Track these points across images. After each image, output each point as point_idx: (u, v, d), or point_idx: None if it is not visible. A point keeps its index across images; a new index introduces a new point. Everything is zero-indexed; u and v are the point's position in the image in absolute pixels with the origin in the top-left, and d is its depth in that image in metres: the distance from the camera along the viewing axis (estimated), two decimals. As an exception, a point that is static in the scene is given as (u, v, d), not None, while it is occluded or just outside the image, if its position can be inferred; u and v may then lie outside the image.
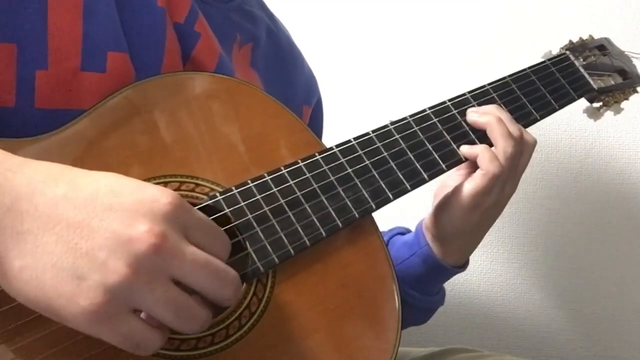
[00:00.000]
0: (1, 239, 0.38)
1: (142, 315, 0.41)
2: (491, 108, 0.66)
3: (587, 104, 0.80)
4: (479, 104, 0.68)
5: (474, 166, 0.65)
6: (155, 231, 0.39)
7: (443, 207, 0.67)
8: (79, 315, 0.38)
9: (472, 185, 0.63)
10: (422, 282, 0.71)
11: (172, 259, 0.39)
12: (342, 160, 0.59)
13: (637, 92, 0.81)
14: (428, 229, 0.70)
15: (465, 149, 0.64)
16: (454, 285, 1.17)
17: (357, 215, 0.57)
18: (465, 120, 0.66)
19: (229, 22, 0.67)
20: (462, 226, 0.66)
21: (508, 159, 0.64)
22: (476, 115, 0.66)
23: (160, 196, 0.40)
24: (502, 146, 0.64)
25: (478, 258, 1.15)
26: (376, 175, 0.60)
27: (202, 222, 0.43)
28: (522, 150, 0.66)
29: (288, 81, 0.75)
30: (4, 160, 0.41)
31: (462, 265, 0.71)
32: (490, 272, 1.17)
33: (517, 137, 0.65)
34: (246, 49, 0.70)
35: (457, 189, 0.65)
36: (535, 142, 0.68)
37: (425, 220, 0.71)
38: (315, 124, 0.80)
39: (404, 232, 0.77)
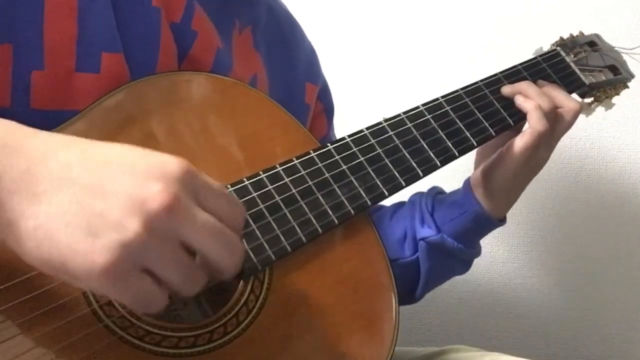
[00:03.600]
0: (16, 200, 0.39)
1: None
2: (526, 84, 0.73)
3: (579, 99, 0.80)
4: (472, 100, 0.69)
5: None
6: (168, 192, 0.39)
7: (496, 163, 0.73)
8: (93, 273, 0.38)
9: (523, 141, 0.69)
10: (470, 237, 0.77)
11: (183, 220, 0.39)
12: (337, 157, 0.60)
13: (627, 87, 0.82)
14: (478, 185, 0.75)
15: (519, 101, 0.71)
16: (454, 285, 1.17)
17: (352, 212, 0.58)
18: (458, 117, 0.67)
19: (226, 8, 0.67)
20: (513, 180, 0.73)
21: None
22: (510, 89, 0.72)
23: (170, 160, 0.41)
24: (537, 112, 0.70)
25: (478, 258, 1.15)
26: (371, 172, 0.60)
27: (214, 187, 0.43)
28: (556, 118, 0.72)
29: (289, 58, 0.75)
30: (18, 128, 0.42)
31: (503, 219, 0.77)
32: (490, 272, 1.17)
33: (552, 106, 0.72)
34: (246, 32, 0.70)
35: (510, 146, 0.71)
36: (577, 108, 0.73)
37: (472, 179, 0.76)
38: (327, 104, 0.82)
39: (442, 191, 0.82)
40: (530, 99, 0.71)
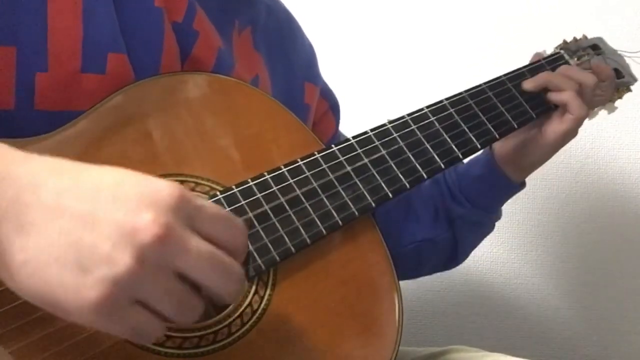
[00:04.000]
0: (4, 230, 0.38)
1: None
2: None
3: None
4: (475, 103, 0.69)
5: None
6: (160, 221, 0.38)
7: (531, 144, 0.76)
8: (85, 309, 0.37)
9: (564, 126, 0.73)
10: (498, 206, 0.83)
11: (176, 250, 0.39)
12: (341, 159, 0.60)
13: (630, 90, 0.82)
14: (507, 162, 0.78)
15: (554, 97, 0.73)
16: (455, 285, 1.17)
17: (356, 213, 0.58)
18: (461, 119, 0.67)
19: (225, 9, 0.67)
20: (546, 158, 0.77)
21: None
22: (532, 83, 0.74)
23: (164, 187, 0.40)
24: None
25: (478, 258, 1.16)
26: (375, 174, 0.60)
27: (212, 212, 0.42)
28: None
29: (288, 58, 0.75)
30: (7, 154, 0.41)
31: (523, 183, 0.82)
32: (490, 272, 1.17)
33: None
34: (246, 33, 0.70)
35: (549, 130, 0.74)
36: (595, 81, 0.75)
37: (499, 155, 0.78)
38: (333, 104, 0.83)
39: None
40: (560, 89, 0.73)
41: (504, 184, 0.79)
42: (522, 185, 0.81)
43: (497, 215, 0.84)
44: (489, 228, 0.84)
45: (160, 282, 0.39)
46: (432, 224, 0.82)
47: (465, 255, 0.85)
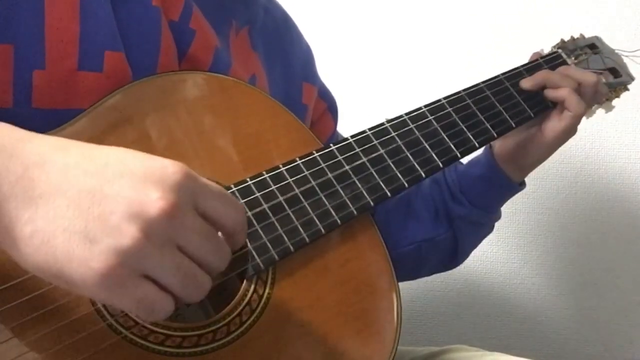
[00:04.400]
0: (13, 205, 0.38)
1: None
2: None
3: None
4: (473, 102, 0.69)
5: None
6: (167, 198, 0.39)
7: (530, 143, 0.76)
8: (90, 279, 0.38)
9: (563, 124, 0.73)
10: (498, 206, 0.83)
11: (181, 226, 0.39)
12: (340, 158, 0.60)
13: (628, 90, 0.82)
14: (508, 161, 0.78)
15: (551, 93, 0.73)
16: (454, 285, 1.17)
17: (355, 212, 0.58)
18: (460, 118, 0.67)
19: (222, 9, 0.68)
20: (546, 156, 0.77)
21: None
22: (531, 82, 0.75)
23: (169, 165, 0.40)
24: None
25: (478, 258, 1.16)
26: (373, 173, 0.60)
27: (213, 190, 0.42)
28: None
29: (285, 58, 0.76)
30: (13, 132, 0.41)
31: (523, 183, 0.82)
32: (490, 272, 1.17)
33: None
34: (243, 33, 0.71)
35: (548, 128, 0.74)
36: (595, 80, 0.75)
37: (499, 154, 0.78)
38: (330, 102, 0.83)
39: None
40: (558, 86, 0.73)
41: (504, 183, 0.79)
42: (522, 185, 0.81)
43: (497, 216, 0.84)
44: (489, 228, 0.85)
45: (166, 256, 0.39)
46: (432, 224, 0.82)
47: (465, 255, 0.86)
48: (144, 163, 0.40)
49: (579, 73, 0.75)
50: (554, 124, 0.74)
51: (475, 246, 0.86)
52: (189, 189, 0.40)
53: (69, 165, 0.39)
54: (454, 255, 0.84)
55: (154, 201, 0.38)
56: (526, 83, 0.74)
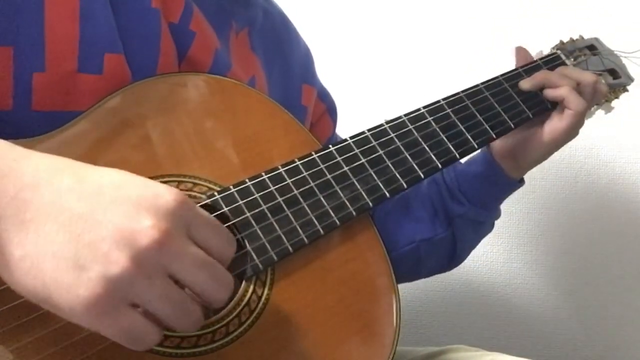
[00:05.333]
0: (3, 227, 0.38)
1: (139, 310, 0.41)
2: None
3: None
4: (472, 103, 0.69)
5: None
6: (159, 227, 0.38)
7: (531, 141, 0.75)
8: (78, 306, 0.37)
9: (565, 122, 0.73)
10: (497, 204, 0.83)
11: (173, 256, 0.39)
12: (339, 158, 0.60)
13: (627, 90, 0.82)
14: (507, 158, 0.78)
15: (550, 93, 0.73)
16: (454, 285, 1.17)
17: (354, 213, 0.58)
18: (459, 119, 0.67)
19: (222, 10, 0.68)
20: (547, 154, 0.77)
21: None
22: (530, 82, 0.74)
23: (164, 192, 0.40)
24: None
25: (478, 258, 1.16)
26: (372, 174, 0.60)
27: (205, 219, 0.42)
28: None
29: (284, 59, 0.76)
30: (9, 151, 0.41)
31: (522, 180, 0.82)
32: (490, 272, 1.17)
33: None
34: (243, 35, 0.71)
35: (550, 127, 0.74)
36: (594, 79, 0.75)
37: (498, 152, 0.78)
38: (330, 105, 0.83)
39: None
40: (557, 86, 0.73)
41: (503, 181, 0.79)
42: (521, 182, 0.81)
43: (497, 214, 0.84)
44: (488, 227, 0.84)
45: (156, 286, 0.39)
46: (431, 223, 0.82)
47: (465, 255, 0.85)
48: (138, 189, 0.40)
49: (577, 73, 0.75)
50: (555, 124, 0.74)
51: (474, 246, 0.86)
52: (182, 216, 0.40)
53: (62, 189, 0.39)
54: (453, 255, 0.84)
55: (146, 229, 0.38)
56: (525, 84, 0.73)
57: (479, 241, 0.86)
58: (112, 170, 0.42)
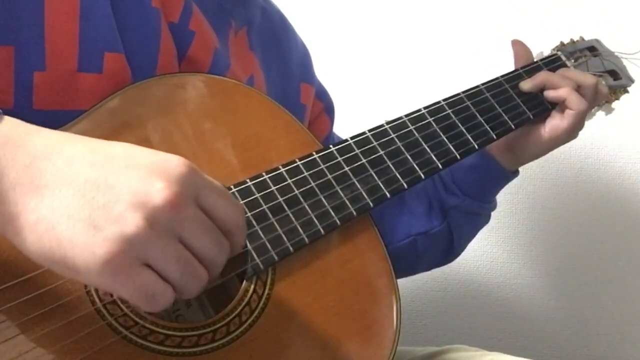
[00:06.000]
0: (19, 193, 0.39)
1: None
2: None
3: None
4: (473, 104, 0.69)
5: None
6: (172, 189, 0.39)
7: (530, 138, 0.76)
8: (93, 265, 0.38)
9: (566, 122, 0.73)
10: (492, 195, 0.83)
11: (183, 217, 0.40)
12: (339, 159, 0.60)
13: (627, 92, 0.82)
14: (504, 151, 0.78)
15: (551, 94, 0.74)
16: (454, 285, 1.17)
17: (354, 213, 0.58)
18: (459, 120, 0.67)
19: (221, 9, 0.68)
20: (545, 152, 0.77)
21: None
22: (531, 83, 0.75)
23: (173, 158, 0.41)
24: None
25: (478, 258, 1.16)
26: (373, 174, 0.61)
27: (214, 186, 0.43)
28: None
29: (283, 58, 0.76)
30: (21, 124, 0.42)
31: (516, 171, 0.82)
32: (490, 272, 1.17)
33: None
34: (242, 34, 0.71)
35: (550, 126, 0.74)
36: (595, 82, 0.75)
37: (495, 145, 0.77)
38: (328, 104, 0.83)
39: None
40: (558, 87, 0.73)
41: (497, 172, 0.79)
42: (516, 173, 0.81)
43: (492, 205, 0.84)
44: (484, 218, 0.85)
45: (168, 246, 0.40)
46: (427, 216, 0.82)
47: (462, 247, 0.86)
48: (149, 156, 0.41)
49: (578, 75, 0.75)
50: (556, 123, 0.74)
51: (471, 238, 0.86)
52: (192, 182, 0.41)
53: (76, 157, 0.40)
54: (450, 248, 0.84)
55: (159, 191, 0.39)
56: (526, 84, 0.74)
57: (476, 233, 0.86)
58: (121, 143, 0.43)
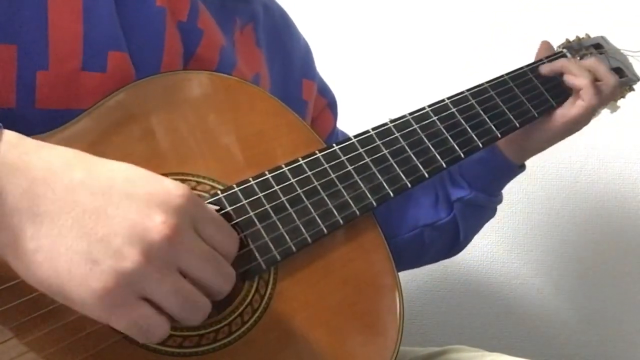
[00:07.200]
0: (17, 219, 0.39)
1: None
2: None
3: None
4: (477, 102, 0.69)
5: None
6: (170, 223, 0.40)
7: (538, 128, 0.76)
8: (90, 299, 0.38)
9: (575, 112, 0.74)
10: (499, 188, 0.83)
11: (183, 251, 0.41)
12: (343, 158, 0.60)
13: (633, 90, 0.82)
14: (511, 143, 0.78)
15: (571, 79, 0.74)
16: (454, 285, 1.17)
17: (357, 212, 0.58)
18: (463, 118, 0.67)
19: (224, 7, 0.68)
20: (552, 142, 0.78)
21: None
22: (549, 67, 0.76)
23: (173, 188, 0.41)
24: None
25: (478, 258, 1.16)
26: (376, 173, 0.60)
27: (212, 216, 0.44)
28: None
29: (285, 54, 0.76)
30: (19, 144, 0.41)
31: (523, 165, 0.82)
32: (490, 272, 1.17)
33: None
34: (248, 30, 0.71)
35: (559, 115, 0.75)
36: (615, 82, 0.76)
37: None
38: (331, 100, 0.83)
39: None
40: (576, 75, 0.74)
41: (504, 165, 0.79)
42: (522, 167, 0.81)
43: (498, 199, 0.84)
44: (490, 211, 0.85)
45: (166, 280, 0.40)
46: (433, 209, 0.82)
47: (468, 240, 0.86)
48: (149, 185, 0.41)
49: (602, 70, 0.76)
50: (564, 111, 0.74)
51: (477, 230, 0.87)
52: (190, 213, 0.42)
53: (74, 183, 0.40)
54: (456, 240, 0.84)
55: (157, 225, 0.39)
56: (544, 68, 0.74)
57: (482, 226, 0.87)
58: (122, 164, 0.42)
